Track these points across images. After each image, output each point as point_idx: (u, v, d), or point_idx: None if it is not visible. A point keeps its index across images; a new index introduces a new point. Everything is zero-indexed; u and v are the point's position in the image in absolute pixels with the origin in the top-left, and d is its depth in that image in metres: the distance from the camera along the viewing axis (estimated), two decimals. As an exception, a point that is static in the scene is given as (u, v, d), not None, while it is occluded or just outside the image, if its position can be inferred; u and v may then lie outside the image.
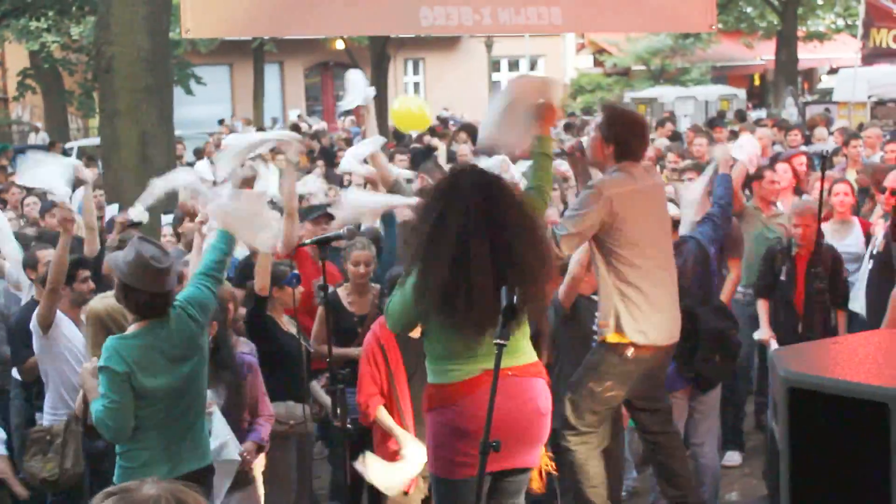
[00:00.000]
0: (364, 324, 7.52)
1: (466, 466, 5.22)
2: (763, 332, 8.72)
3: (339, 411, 6.63)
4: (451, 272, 5.05)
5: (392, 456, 6.61)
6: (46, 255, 8.03)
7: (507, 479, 5.47)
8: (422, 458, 6.29)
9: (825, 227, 9.14)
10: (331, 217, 8.68)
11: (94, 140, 23.73)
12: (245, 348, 7.11)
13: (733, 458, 9.13)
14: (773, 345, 8.50)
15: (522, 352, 5.39)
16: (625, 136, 6.69)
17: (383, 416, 6.66)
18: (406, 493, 6.60)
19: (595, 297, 7.11)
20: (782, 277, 8.69)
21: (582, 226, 6.45)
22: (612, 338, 6.58)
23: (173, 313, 5.74)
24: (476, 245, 5.06)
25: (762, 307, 8.86)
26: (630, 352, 6.53)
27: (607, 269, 6.55)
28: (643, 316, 6.51)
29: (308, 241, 7.62)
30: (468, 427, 5.13)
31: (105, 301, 6.82)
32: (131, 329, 5.72)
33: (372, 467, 6.48)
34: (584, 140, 7.22)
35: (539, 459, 5.63)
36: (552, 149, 6.24)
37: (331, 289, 7.26)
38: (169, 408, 5.70)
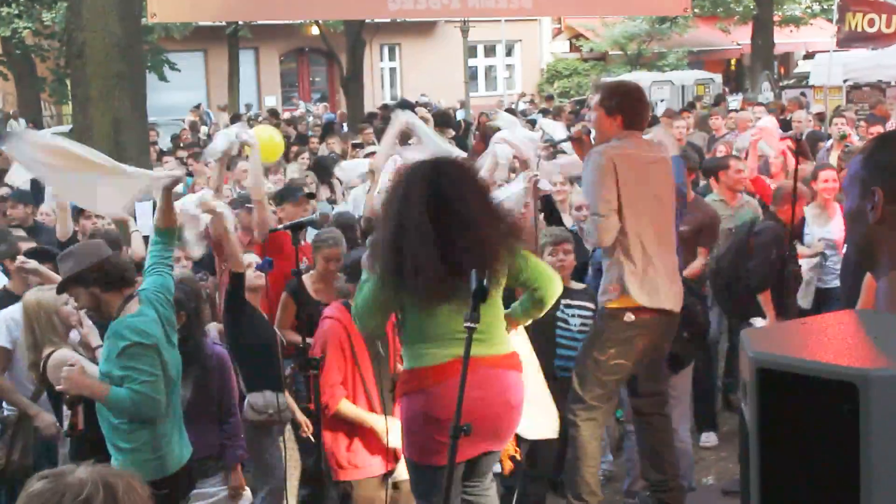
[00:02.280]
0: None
1: (439, 453, 5.20)
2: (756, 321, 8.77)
3: (311, 397, 6.58)
4: (396, 236, 5.06)
5: (356, 440, 6.57)
6: (26, 246, 7.99)
7: (476, 463, 5.48)
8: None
9: (807, 210, 9.19)
10: (312, 196, 8.66)
11: (68, 127, 23.60)
12: (215, 334, 7.06)
13: (710, 438, 9.17)
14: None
15: (497, 341, 5.36)
16: (628, 103, 6.74)
17: (347, 408, 6.53)
18: (381, 477, 6.57)
19: (573, 285, 7.17)
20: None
21: (607, 203, 6.48)
22: (614, 303, 6.60)
23: (151, 296, 5.77)
24: (444, 224, 5.04)
25: (766, 300, 8.67)
26: (629, 316, 6.54)
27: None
28: (643, 279, 6.53)
29: (280, 226, 7.59)
30: (439, 415, 5.11)
31: (39, 294, 6.75)
32: (128, 313, 5.70)
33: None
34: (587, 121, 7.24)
35: (506, 443, 5.65)
36: None
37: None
38: (172, 388, 5.74)
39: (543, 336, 7.06)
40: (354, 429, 6.56)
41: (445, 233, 5.01)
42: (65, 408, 6.00)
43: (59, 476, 2.44)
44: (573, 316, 7.35)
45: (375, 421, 6.47)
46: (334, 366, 6.47)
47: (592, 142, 6.96)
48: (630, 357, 6.68)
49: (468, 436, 4.39)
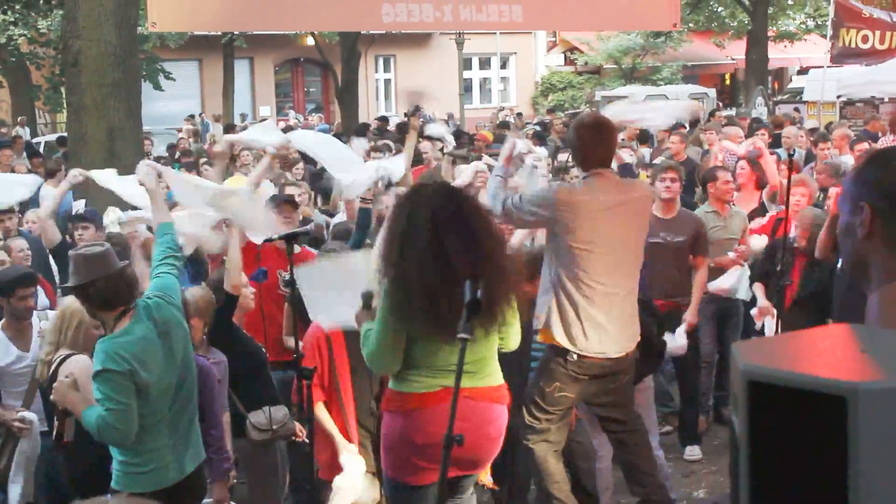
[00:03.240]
0: None
1: (414, 474, 5.32)
2: (762, 303, 8.92)
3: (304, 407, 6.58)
4: (431, 272, 5.05)
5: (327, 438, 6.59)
6: (19, 244, 7.96)
7: (455, 482, 5.54)
8: (357, 469, 6.36)
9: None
10: (295, 205, 8.66)
11: (62, 135, 23.58)
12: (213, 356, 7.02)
13: (694, 452, 9.18)
14: (769, 322, 8.75)
15: (487, 373, 5.40)
16: (582, 143, 6.70)
17: (322, 415, 6.54)
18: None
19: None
20: (778, 268, 8.78)
21: (526, 207, 6.51)
22: (543, 336, 6.65)
23: (151, 302, 5.73)
24: (451, 242, 5.08)
25: (759, 288, 9.08)
26: (572, 356, 6.56)
27: (550, 266, 6.58)
28: (574, 328, 6.51)
29: (275, 236, 7.59)
30: (416, 440, 5.20)
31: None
32: (117, 329, 5.62)
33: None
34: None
35: (481, 472, 5.76)
36: None
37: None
38: (172, 402, 5.68)
39: (516, 366, 7.08)
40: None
41: (450, 263, 5.04)
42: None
43: None
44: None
45: (340, 443, 6.50)
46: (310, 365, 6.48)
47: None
48: (574, 391, 6.70)
49: (460, 445, 4.41)
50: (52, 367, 6.29)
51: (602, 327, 6.54)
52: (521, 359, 7.06)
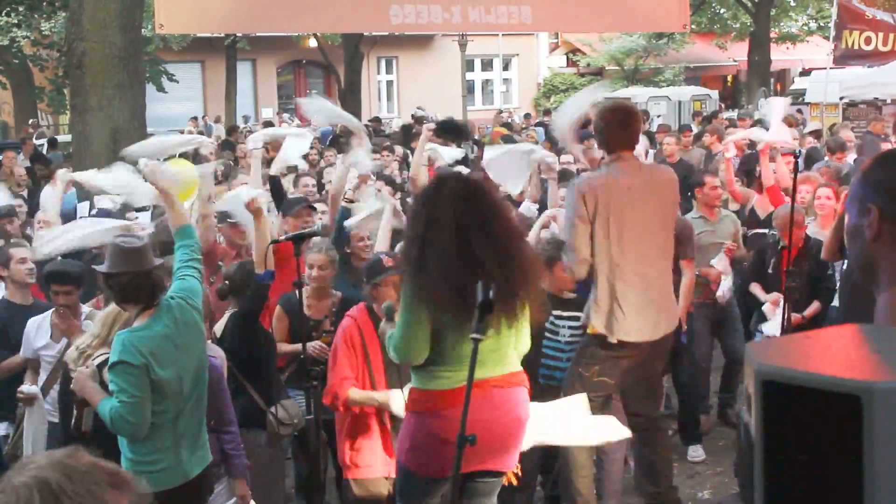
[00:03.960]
0: (318, 328, 7.52)
1: (439, 470, 5.29)
2: (768, 297, 8.90)
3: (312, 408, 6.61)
4: (458, 263, 5.08)
5: (361, 441, 6.60)
6: (20, 252, 7.95)
7: (479, 480, 5.51)
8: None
9: (809, 229, 9.28)
10: (312, 209, 8.71)
11: (65, 137, 23.60)
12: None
13: (697, 452, 9.18)
14: (776, 313, 8.76)
15: (507, 362, 5.42)
16: (606, 128, 6.83)
17: (357, 393, 6.50)
18: (386, 478, 6.58)
19: (567, 295, 7.23)
20: (770, 270, 8.84)
21: (578, 239, 6.58)
22: (590, 328, 6.66)
23: (173, 302, 5.76)
24: (476, 236, 5.12)
25: (756, 287, 9.11)
26: (612, 339, 6.61)
27: (595, 263, 6.67)
28: (615, 314, 6.58)
29: (283, 237, 7.61)
30: (451, 437, 5.14)
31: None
32: (137, 323, 5.68)
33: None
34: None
35: (513, 464, 5.66)
36: None
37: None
38: (180, 403, 5.69)
39: (531, 345, 7.13)
40: (359, 430, 6.59)
41: (474, 255, 5.07)
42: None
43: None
44: (563, 327, 7.39)
45: (382, 397, 6.47)
46: (345, 363, 6.49)
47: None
48: (614, 375, 6.76)
49: (473, 445, 4.43)
50: (90, 363, 6.31)
51: (639, 309, 6.64)
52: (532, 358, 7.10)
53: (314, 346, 7.41)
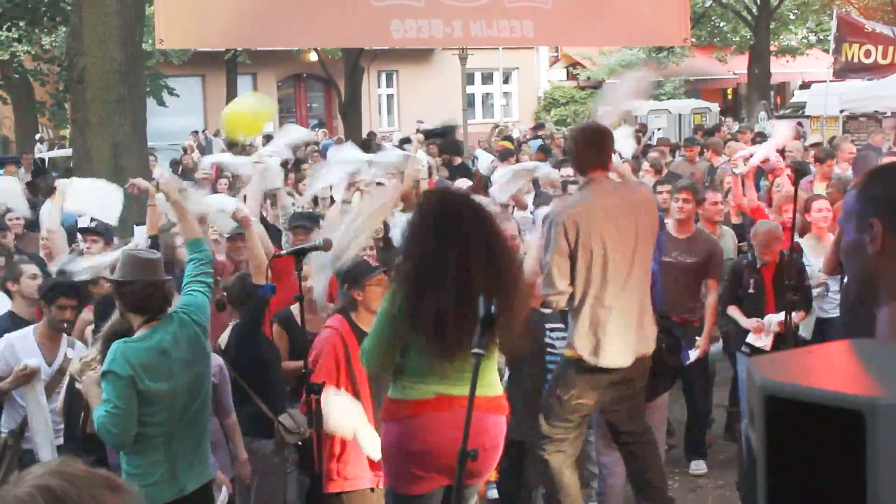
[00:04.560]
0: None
1: (412, 483, 5.37)
2: (751, 323, 8.81)
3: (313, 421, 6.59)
4: (454, 297, 5.08)
5: (349, 453, 6.57)
6: (30, 268, 7.97)
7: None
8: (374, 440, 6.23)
9: (803, 242, 9.26)
10: (309, 230, 8.73)
11: (66, 151, 23.62)
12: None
13: (700, 466, 9.18)
14: (762, 338, 8.68)
15: (486, 382, 5.39)
16: (577, 149, 6.81)
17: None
18: (372, 490, 6.57)
19: (544, 311, 7.21)
20: (751, 290, 8.79)
21: (557, 272, 6.56)
22: (568, 352, 6.67)
23: (176, 317, 5.77)
24: (476, 271, 5.12)
25: (734, 311, 8.97)
26: (597, 364, 6.59)
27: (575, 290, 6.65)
28: (592, 336, 6.58)
29: (284, 251, 7.62)
30: (411, 447, 5.24)
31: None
32: (137, 334, 5.71)
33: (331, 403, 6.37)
34: None
35: (481, 482, 5.81)
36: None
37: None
38: (175, 417, 5.68)
39: (536, 363, 7.19)
40: (345, 441, 6.58)
41: (468, 282, 5.09)
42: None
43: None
44: (556, 339, 7.43)
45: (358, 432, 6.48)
46: (324, 373, 6.48)
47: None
48: (591, 397, 6.75)
49: (475, 461, 4.46)
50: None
51: (620, 336, 6.62)
52: (535, 371, 7.14)
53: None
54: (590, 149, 6.77)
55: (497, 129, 31.04)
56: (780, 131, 10.89)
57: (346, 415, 6.34)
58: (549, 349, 7.37)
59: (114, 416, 5.48)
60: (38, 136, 30.72)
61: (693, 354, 8.42)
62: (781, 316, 8.46)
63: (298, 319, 7.55)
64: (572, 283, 6.58)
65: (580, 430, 6.96)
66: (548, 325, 7.33)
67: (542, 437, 6.80)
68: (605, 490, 7.61)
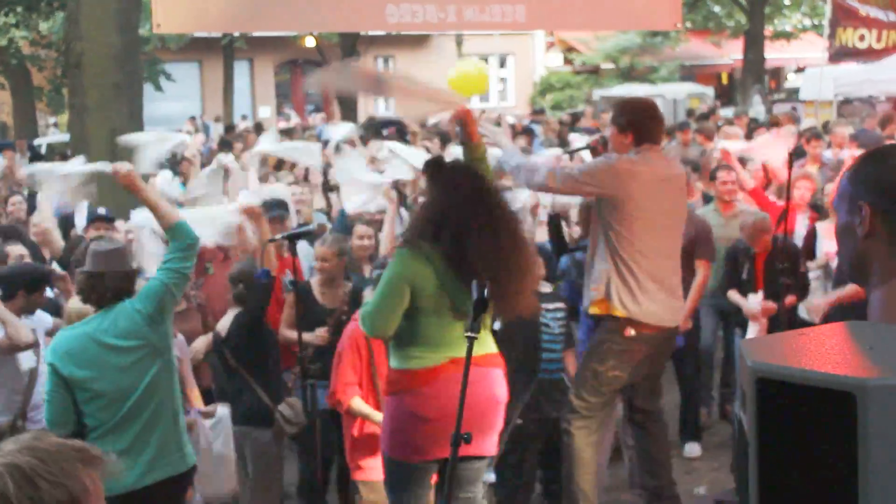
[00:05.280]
0: (332, 316, 7.55)
1: (421, 451, 5.44)
2: (750, 307, 8.84)
3: (310, 406, 6.64)
4: (457, 252, 5.31)
5: (365, 438, 6.62)
6: (16, 249, 7.98)
7: (464, 467, 5.55)
8: None
9: (818, 226, 9.28)
10: (283, 219, 8.78)
11: (64, 136, 23.57)
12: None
13: (694, 449, 9.22)
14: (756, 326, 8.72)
15: (483, 342, 5.50)
16: (639, 120, 6.83)
17: (359, 405, 6.59)
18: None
19: (542, 288, 7.24)
20: (744, 276, 8.84)
21: (586, 176, 6.64)
22: (597, 306, 6.70)
23: (118, 306, 5.71)
24: (478, 218, 5.35)
25: (734, 293, 9.02)
26: (630, 332, 6.64)
27: (605, 244, 6.68)
28: (635, 294, 6.62)
29: (278, 236, 7.65)
30: (428, 414, 5.30)
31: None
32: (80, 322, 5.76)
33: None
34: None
35: (493, 447, 5.80)
36: (483, 152, 6.27)
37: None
38: (115, 406, 5.63)
39: (531, 342, 7.23)
40: (366, 430, 6.63)
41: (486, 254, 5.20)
42: None
43: None
44: (552, 319, 7.49)
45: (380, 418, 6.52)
46: (349, 365, 6.54)
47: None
48: (627, 369, 6.79)
49: (468, 444, 4.49)
50: None
51: (659, 295, 6.70)
52: (528, 351, 7.18)
53: (317, 334, 7.46)
54: (652, 122, 6.89)
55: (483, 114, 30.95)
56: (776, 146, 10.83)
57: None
58: (543, 328, 7.41)
59: (46, 403, 5.63)
60: (54, 121, 30.63)
61: None
62: (758, 297, 8.58)
63: (316, 293, 7.64)
64: (610, 234, 6.64)
65: (606, 411, 7.03)
66: (544, 305, 7.35)
67: (572, 412, 6.85)
68: (631, 468, 7.75)
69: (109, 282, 5.69)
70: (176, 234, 5.96)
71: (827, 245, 9.23)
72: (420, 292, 5.39)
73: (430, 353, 5.41)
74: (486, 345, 5.56)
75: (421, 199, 5.79)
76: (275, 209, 8.92)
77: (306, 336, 7.34)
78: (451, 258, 5.30)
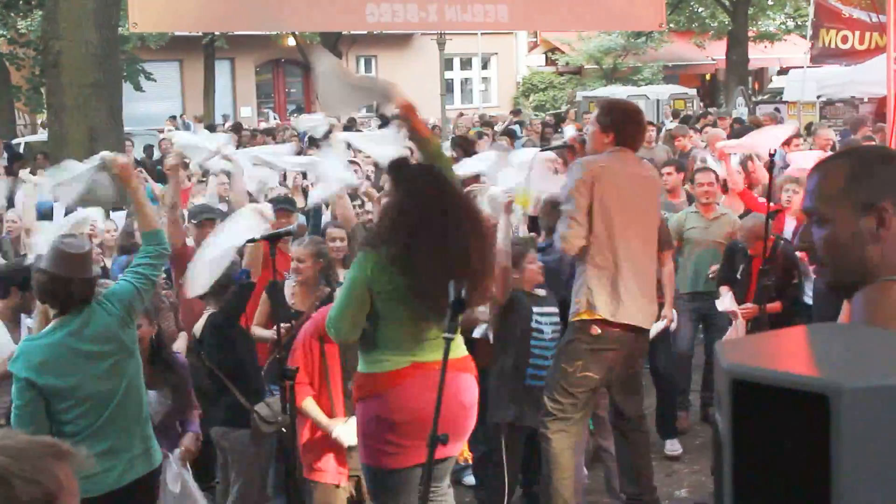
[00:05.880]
0: (299, 320, 7.51)
1: (395, 456, 5.44)
2: (727, 302, 8.81)
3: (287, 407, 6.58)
4: (420, 255, 5.25)
5: (317, 440, 6.59)
6: None
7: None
8: (351, 434, 6.20)
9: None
10: (290, 212, 8.75)
11: (42, 136, 23.48)
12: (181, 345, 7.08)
13: (675, 446, 9.19)
14: (738, 320, 8.69)
15: (454, 345, 5.42)
16: (622, 122, 6.82)
17: (309, 406, 6.55)
18: (337, 486, 6.60)
19: (538, 292, 7.23)
20: (738, 276, 8.83)
21: (579, 210, 6.58)
22: (581, 315, 6.68)
23: (88, 308, 5.62)
24: (456, 241, 5.27)
25: (725, 290, 8.99)
26: (595, 329, 6.63)
27: (586, 250, 6.66)
28: (613, 294, 6.61)
29: (258, 237, 7.59)
30: (394, 418, 5.30)
31: None
32: (47, 327, 5.65)
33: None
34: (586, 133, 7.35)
35: (460, 449, 5.87)
36: (438, 146, 6.22)
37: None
38: (97, 410, 5.57)
39: (521, 347, 7.19)
40: (318, 432, 6.59)
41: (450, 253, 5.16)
42: None
43: None
44: (546, 324, 7.42)
45: (329, 425, 6.49)
46: (301, 364, 6.49)
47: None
48: (598, 370, 6.77)
49: (445, 445, 4.49)
50: None
51: (632, 294, 6.69)
52: (518, 354, 7.15)
53: (268, 334, 7.46)
54: (637, 127, 6.92)
55: (461, 117, 30.98)
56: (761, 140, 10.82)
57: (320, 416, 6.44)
58: (535, 333, 7.37)
59: (17, 418, 5.45)
60: (41, 122, 30.59)
61: (660, 325, 8.35)
62: (728, 301, 8.56)
63: (287, 293, 7.59)
64: (591, 233, 6.61)
65: (584, 412, 7.00)
66: (535, 309, 7.31)
67: (547, 415, 6.83)
68: (608, 475, 7.70)
69: (76, 288, 5.58)
70: (152, 240, 5.98)
71: None
72: (380, 296, 5.36)
73: (394, 357, 5.39)
74: (455, 349, 5.47)
75: (384, 201, 5.73)
76: (281, 203, 8.93)
77: (255, 331, 7.40)
78: (408, 261, 5.24)
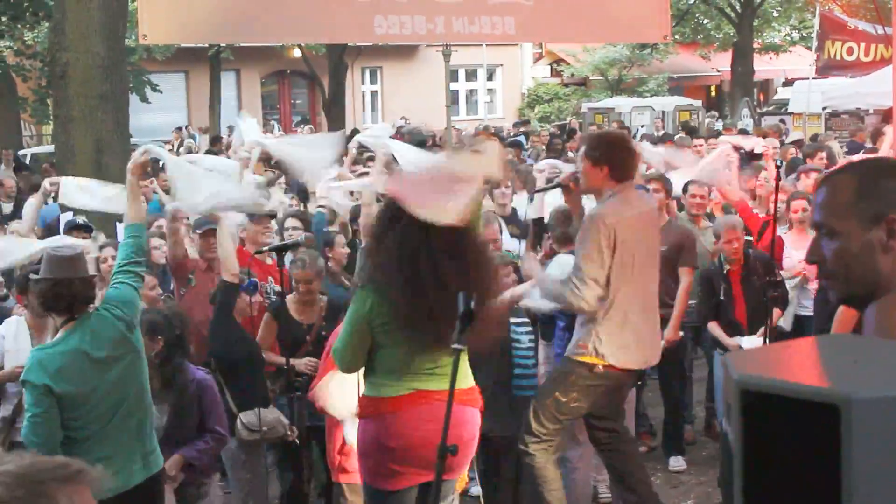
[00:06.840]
0: (311, 332, 7.53)
1: (389, 478, 5.41)
2: (731, 342, 8.68)
3: (294, 418, 6.60)
4: (417, 288, 5.17)
5: (348, 454, 6.58)
6: None
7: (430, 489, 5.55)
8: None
9: (785, 237, 9.28)
10: (272, 216, 8.73)
11: (48, 147, 23.52)
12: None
13: (678, 462, 9.18)
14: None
15: (460, 376, 5.36)
16: (614, 153, 6.75)
17: (328, 384, 6.48)
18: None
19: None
20: (721, 297, 8.76)
21: (600, 269, 6.52)
22: (585, 357, 6.67)
23: (95, 314, 5.67)
24: (444, 261, 5.19)
25: (715, 327, 8.89)
26: (599, 368, 6.63)
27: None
28: (621, 343, 6.61)
29: (265, 248, 7.62)
30: (390, 443, 5.29)
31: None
32: (57, 336, 5.67)
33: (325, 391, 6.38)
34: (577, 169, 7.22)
35: (461, 473, 5.76)
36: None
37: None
38: (105, 417, 5.61)
39: (503, 360, 7.21)
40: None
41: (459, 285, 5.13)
42: None
43: None
44: (522, 333, 7.48)
45: (343, 417, 6.48)
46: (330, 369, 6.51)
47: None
48: (589, 402, 6.82)
49: (455, 455, 4.48)
50: None
51: (640, 336, 6.71)
52: (500, 366, 7.16)
53: (303, 362, 7.43)
54: (628, 154, 6.82)
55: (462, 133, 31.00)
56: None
57: (340, 399, 6.36)
58: (514, 344, 7.39)
59: (33, 425, 5.46)
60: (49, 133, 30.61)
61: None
62: (757, 340, 8.44)
63: (291, 311, 7.60)
64: (606, 287, 6.59)
65: (564, 429, 7.02)
66: (512, 320, 7.32)
67: (530, 434, 6.82)
68: (568, 484, 7.60)
69: (77, 288, 5.63)
70: (136, 231, 6.08)
71: (796, 254, 9.18)
72: (379, 328, 5.35)
73: (394, 383, 5.38)
74: (465, 379, 5.48)
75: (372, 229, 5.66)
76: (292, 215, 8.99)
77: (295, 362, 7.32)
78: (405, 292, 5.22)
